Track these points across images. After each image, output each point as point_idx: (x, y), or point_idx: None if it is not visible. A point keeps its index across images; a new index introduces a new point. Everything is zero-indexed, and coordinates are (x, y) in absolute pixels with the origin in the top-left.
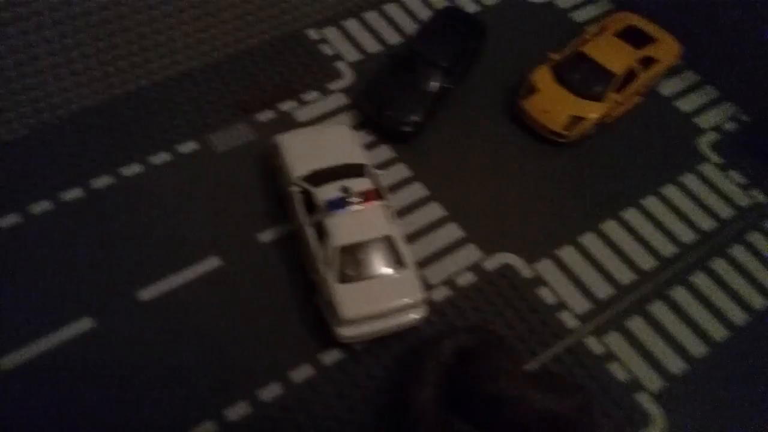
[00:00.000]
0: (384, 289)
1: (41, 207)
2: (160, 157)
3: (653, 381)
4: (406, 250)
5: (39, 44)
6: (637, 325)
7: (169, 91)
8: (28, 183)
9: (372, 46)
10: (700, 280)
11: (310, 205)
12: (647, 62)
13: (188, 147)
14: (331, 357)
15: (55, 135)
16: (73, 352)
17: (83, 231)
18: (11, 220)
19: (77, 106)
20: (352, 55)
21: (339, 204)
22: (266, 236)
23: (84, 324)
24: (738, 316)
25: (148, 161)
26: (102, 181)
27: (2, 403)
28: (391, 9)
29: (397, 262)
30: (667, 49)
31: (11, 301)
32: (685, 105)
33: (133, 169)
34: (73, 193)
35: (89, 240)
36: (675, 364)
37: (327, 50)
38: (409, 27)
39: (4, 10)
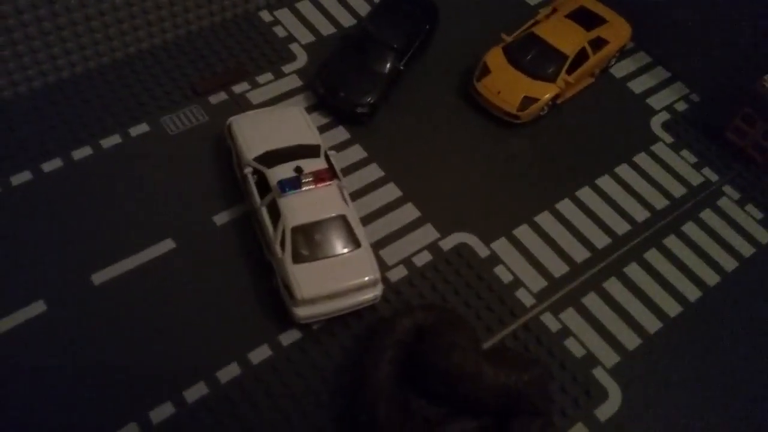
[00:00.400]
0: (339, 268)
1: None
2: (111, 140)
3: (609, 356)
4: (360, 230)
5: None
6: (592, 301)
7: (119, 73)
8: None
9: (326, 28)
10: (654, 256)
11: (265, 186)
12: (598, 43)
13: (140, 129)
14: (289, 337)
15: (2, 113)
16: (25, 336)
17: (32, 214)
18: None
19: (24, 88)
20: (306, 37)
21: (292, 184)
22: (221, 218)
23: (36, 308)
24: (691, 291)
25: (98, 144)
26: (52, 165)
27: None
28: None
29: (352, 241)
30: (618, 30)
31: None
32: (638, 86)
33: (83, 152)
34: (23, 177)
35: (38, 224)
36: (630, 340)
37: (281, 32)
38: (363, 9)
39: None
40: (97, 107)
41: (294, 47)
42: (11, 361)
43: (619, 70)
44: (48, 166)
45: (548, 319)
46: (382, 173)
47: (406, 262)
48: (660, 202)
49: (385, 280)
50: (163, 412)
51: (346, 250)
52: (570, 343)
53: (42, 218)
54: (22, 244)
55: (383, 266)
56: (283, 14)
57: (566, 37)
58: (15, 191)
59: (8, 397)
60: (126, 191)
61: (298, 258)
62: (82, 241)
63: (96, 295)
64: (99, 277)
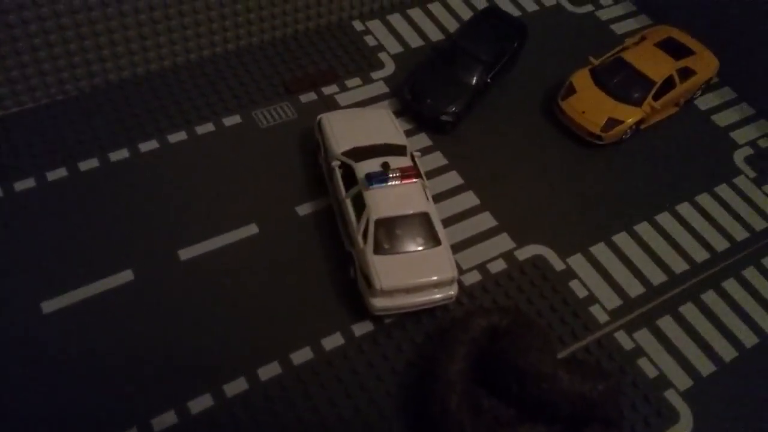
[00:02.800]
0: (418, 264)
1: (89, 164)
2: (206, 128)
3: (682, 380)
4: (441, 228)
5: (96, 6)
6: (667, 324)
7: (217, 67)
8: (78, 141)
9: (414, 41)
10: (732, 286)
11: (351, 179)
12: (686, 73)
13: (232, 120)
14: (361, 328)
15: (105, 98)
16: (113, 301)
17: (129, 191)
18: (60, 173)
19: (128, 73)
20: (394, 48)
21: (379, 178)
22: (303, 209)
23: (125, 276)
24: (767, 323)
25: (193, 131)
26: (148, 146)
27: (41, 344)
28: (435, 7)
29: (432, 238)
30: (705, 62)
31: (58, 250)
32: (722, 120)
33: (178, 137)
34: (121, 154)
35: (134, 200)
36: (704, 365)
37: (371, 41)
38: (451, 25)
39: None
40: (195, 96)
41: (383, 56)
42: (96, 324)
43: (704, 102)
44: (144, 147)
45: (622, 337)
46: (461, 181)
47: (481, 267)
48: (740, 234)
49: (459, 283)
50: (237, 386)
51: (426, 247)
52: (643, 363)
53: (137, 194)
54: (118, 217)
55: (458, 269)
56: (375, 25)
57: (654, 64)
58: (114, 167)
59: (75, 363)
60: (215, 176)
61: (379, 249)
62: (172, 218)
63: (181, 270)
64: (185, 253)
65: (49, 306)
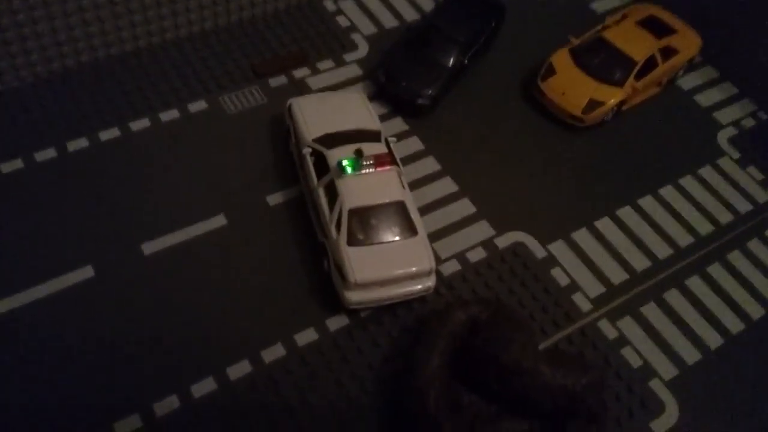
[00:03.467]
0: (394, 255)
1: (47, 154)
2: (170, 114)
3: (667, 369)
4: (417, 218)
5: None
6: (651, 311)
7: (181, 50)
8: (37, 129)
9: (388, 21)
10: (717, 271)
11: (323, 167)
12: (668, 52)
13: (198, 106)
14: (336, 322)
15: (62, 84)
16: (72, 298)
17: (88, 182)
18: (16, 165)
19: (87, 57)
20: (368, 29)
21: (351, 166)
22: (274, 199)
23: (85, 272)
24: (754, 309)
25: (157, 117)
26: (110, 134)
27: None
28: None
29: (409, 228)
30: (687, 41)
31: (14, 245)
32: (705, 99)
33: (141, 124)
34: (80, 143)
35: (93, 190)
36: (689, 354)
37: (343, 22)
38: (427, 4)
39: None
40: (158, 82)
41: (356, 37)
42: (56, 322)
43: (687, 82)
44: (105, 135)
45: (605, 326)
46: (438, 167)
47: (460, 257)
48: (725, 217)
49: (437, 273)
50: (204, 386)
51: (402, 237)
52: (627, 352)
53: (97, 185)
54: (77, 208)
55: (436, 260)
56: (347, 5)
57: (636, 43)
58: (71, 157)
59: (46, 360)
60: (181, 165)
61: (353, 241)
62: (135, 210)
63: (144, 265)
64: (149, 247)
65: (3, 305)
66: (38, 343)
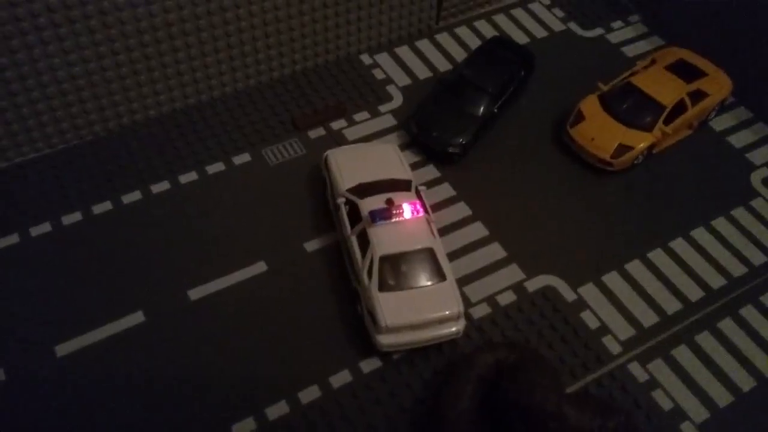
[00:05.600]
0: (423, 299)
1: (104, 207)
2: (216, 167)
3: (698, 412)
4: (446, 263)
5: (107, 54)
6: (682, 354)
7: (227, 106)
8: (92, 185)
9: (422, 72)
10: (750, 314)
11: (356, 216)
12: (698, 95)
13: (242, 159)
14: (369, 365)
15: (118, 143)
16: (124, 343)
17: (140, 232)
18: (74, 217)
19: (141, 116)
20: (403, 80)
21: (382, 215)
22: (312, 245)
23: (136, 317)
24: None
25: (203, 170)
26: (160, 187)
27: (51, 389)
28: (443, 38)
29: (438, 274)
30: (718, 83)
31: (72, 293)
32: (738, 140)
33: (189, 177)
34: (133, 196)
35: (146, 241)
36: (721, 396)
37: (379, 74)
38: (460, 55)
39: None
40: (206, 136)
41: (391, 88)
42: (107, 366)
43: (719, 123)
44: (156, 188)
45: (635, 369)
46: (469, 212)
47: (490, 300)
48: (758, 259)
49: (467, 316)
50: (245, 426)
51: (431, 283)
52: (657, 395)
53: (146, 235)
54: (130, 258)
55: (466, 303)
56: (383, 58)
57: (664, 88)
58: (125, 209)
59: (95, 403)
60: (226, 215)
61: (384, 287)
62: (182, 258)
63: (191, 310)
64: (195, 293)
65: (62, 349)
66: (91, 384)
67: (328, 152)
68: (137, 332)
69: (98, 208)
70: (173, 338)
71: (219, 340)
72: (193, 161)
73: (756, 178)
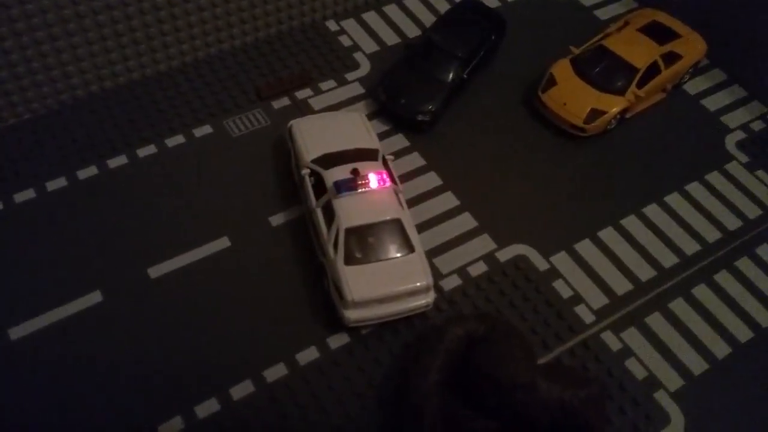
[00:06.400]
0: (391, 272)
1: (56, 184)
2: (176, 140)
3: (673, 380)
4: (414, 235)
5: (55, 24)
6: (656, 322)
7: (186, 76)
8: (42, 161)
9: (390, 38)
10: (725, 279)
11: (321, 188)
12: (671, 58)
13: (203, 130)
14: (337, 341)
15: (71, 114)
16: (81, 324)
17: (96, 208)
18: (27, 195)
19: (96, 87)
20: (370, 47)
21: (348, 186)
22: (277, 219)
23: (93, 297)
24: (763, 317)
25: (163, 143)
26: (117, 161)
27: (5, 372)
28: (411, 2)
29: (406, 246)
30: (692, 45)
31: (25, 272)
32: (712, 104)
33: (148, 150)
34: (89, 171)
35: (102, 217)
36: (696, 364)
37: (346, 41)
38: (429, 20)
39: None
40: (165, 108)
41: (358, 56)
42: (64, 348)
43: (693, 86)
44: (113, 163)
45: (609, 338)
46: (440, 181)
47: (461, 271)
48: (733, 223)
49: (438, 288)
50: (208, 407)
51: (399, 255)
52: (631, 364)
53: (104, 212)
54: (85, 235)
55: (437, 275)
56: (349, 24)
57: (637, 50)
58: (80, 185)
59: (55, 384)
60: (186, 190)
61: (350, 260)
62: (141, 235)
63: (151, 288)
64: (155, 271)
65: (15, 332)
66: (48, 366)
67: (293, 122)
68: (95, 313)
69: (52, 185)
70: (133, 318)
71: (180, 320)
72: (152, 134)
73: (730, 141)
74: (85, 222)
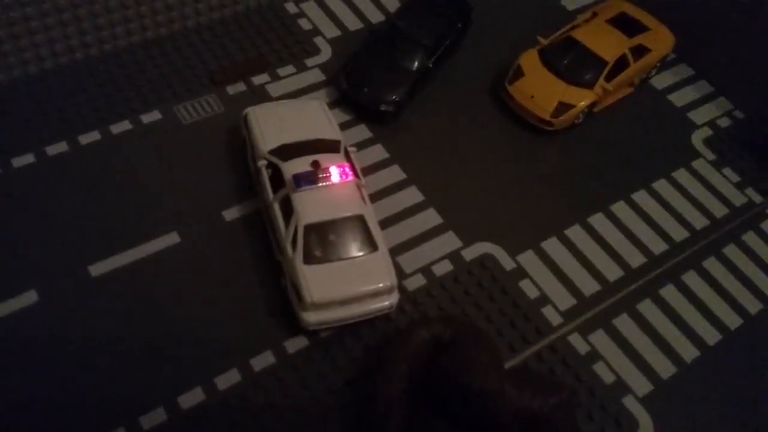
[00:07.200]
0: (353, 272)
1: None
2: (121, 126)
3: (641, 384)
4: (378, 232)
5: None
6: (624, 324)
7: (135, 57)
8: None
9: (353, 23)
10: (692, 279)
11: (279, 181)
12: (640, 51)
13: (152, 117)
14: (294, 344)
15: (7, 94)
16: (13, 325)
17: (31, 200)
18: None
19: (35, 67)
20: (331, 31)
21: (308, 179)
22: (231, 214)
23: (27, 298)
24: (731, 318)
25: (107, 129)
26: (57, 148)
27: None
28: None
29: (369, 244)
30: (660, 39)
31: None
32: (679, 99)
33: (91, 137)
34: (25, 159)
35: (37, 209)
36: (664, 367)
37: (305, 24)
38: (393, 5)
39: None
40: (110, 91)
41: (318, 41)
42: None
43: (660, 81)
44: (52, 150)
45: (576, 341)
46: (403, 176)
47: (425, 270)
48: (700, 222)
49: (401, 288)
50: (154, 417)
51: (361, 253)
52: (599, 368)
53: (40, 203)
54: (18, 229)
55: (400, 274)
56: (310, 7)
57: (606, 43)
58: (16, 174)
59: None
60: (131, 180)
61: (309, 258)
62: (81, 229)
63: (92, 288)
64: (97, 269)
65: None
66: None
67: (249, 109)
68: (29, 313)
69: None
70: (70, 321)
71: (123, 322)
72: (95, 119)
73: (697, 138)
74: (20, 215)
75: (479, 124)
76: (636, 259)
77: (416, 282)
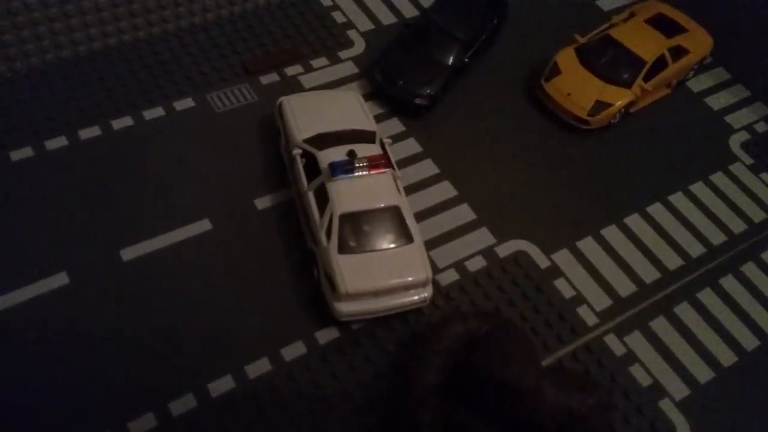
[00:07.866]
0: (388, 263)
1: (23, 153)
2: (155, 112)
3: (678, 388)
4: (413, 224)
5: None
6: (661, 326)
7: (168, 45)
8: (11, 127)
9: (386, 17)
10: (730, 284)
11: (314, 170)
12: (678, 52)
13: (185, 104)
14: (326, 336)
15: (42, 80)
16: (46, 308)
17: (66, 183)
18: None
19: (69, 52)
20: (365, 25)
21: (344, 168)
22: (263, 202)
23: (59, 279)
24: None
25: (140, 115)
26: (90, 132)
27: None
28: None
29: (404, 235)
30: (698, 40)
31: None
32: (716, 102)
33: (124, 122)
34: (58, 142)
35: (73, 194)
36: (701, 372)
37: (339, 17)
38: (426, 1)
39: None
40: (143, 78)
41: (352, 33)
42: (28, 332)
43: (697, 84)
44: (85, 134)
45: (612, 341)
46: (437, 170)
47: (458, 265)
48: (738, 226)
49: (434, 283)
50: (184, 404)
51: (396, 245)
52: (635, 370)
53: (75, 187)
54: (54, 213)
55: (433, 268)
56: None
57: (645, 43)
58: (49, 156)
59: (21, 370)
60: (164, 167)
61: (344, 248)
62: (114, 214)
63: (123, 272)
64: (128, 253)
65: None
66: (7, 353)
67: (283, 98)
68: (60, 296)
69: (16, 155)
70: (101, 304)
71: (153, 308)
72: (129, 105)
73: (734, 141)
74: (53, 199)
75: (513, 121)
76: (673, 262)
77: (449, 277)
